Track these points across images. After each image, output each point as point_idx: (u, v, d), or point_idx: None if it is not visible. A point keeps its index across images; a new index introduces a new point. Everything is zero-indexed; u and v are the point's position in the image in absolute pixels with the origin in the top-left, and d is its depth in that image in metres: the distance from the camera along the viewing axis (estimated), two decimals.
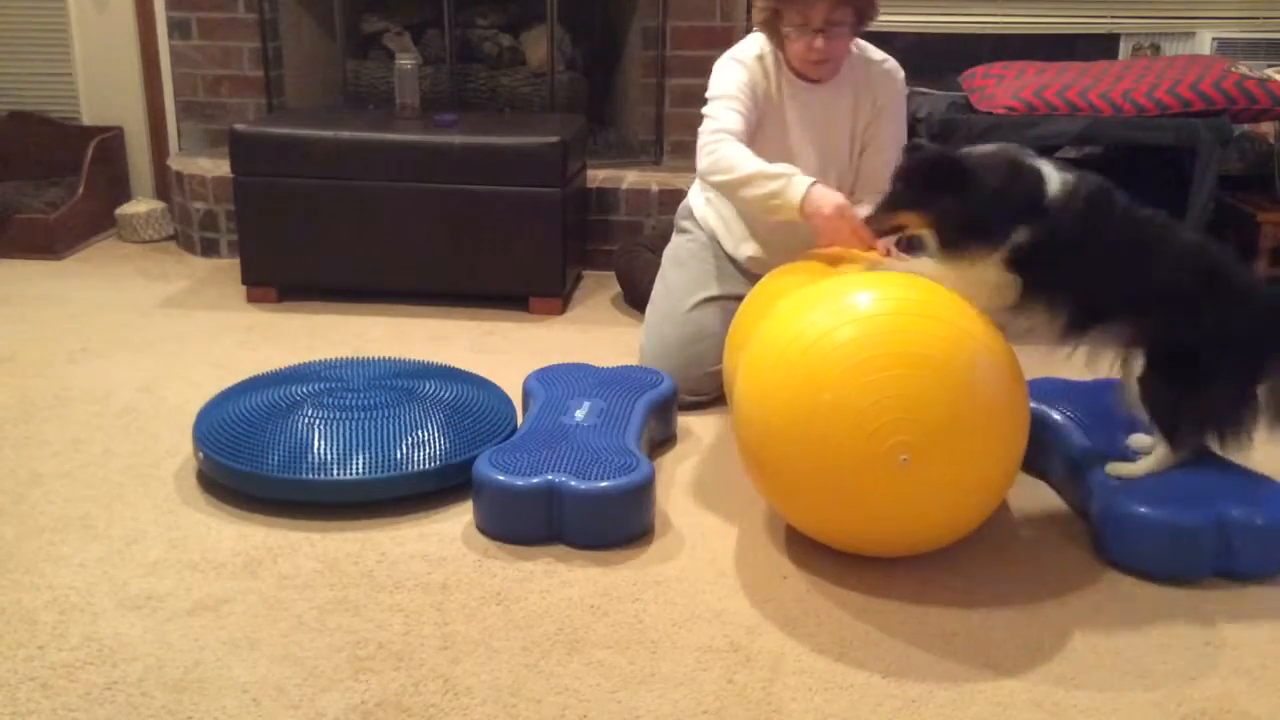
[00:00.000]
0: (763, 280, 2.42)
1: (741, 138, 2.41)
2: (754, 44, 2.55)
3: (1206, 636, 1.81)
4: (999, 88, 3.28)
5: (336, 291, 3.44)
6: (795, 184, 2.27)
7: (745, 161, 2.34)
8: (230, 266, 3.69)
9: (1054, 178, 1.92)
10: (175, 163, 4.03)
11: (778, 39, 2.45)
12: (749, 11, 3.79)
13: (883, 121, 2.55)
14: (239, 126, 3.36)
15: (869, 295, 1.91)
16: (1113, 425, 2.25)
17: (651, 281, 2.84)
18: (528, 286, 3.38)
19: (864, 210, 2.35)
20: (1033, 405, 2.33)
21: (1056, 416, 2.31)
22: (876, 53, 2.57)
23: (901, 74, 2.58)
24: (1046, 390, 2.42)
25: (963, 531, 1.96)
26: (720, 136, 2.40)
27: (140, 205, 4.13)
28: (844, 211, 2.23)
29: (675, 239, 2.84)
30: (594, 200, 3.78)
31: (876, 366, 1.81)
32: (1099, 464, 2.11)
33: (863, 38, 2.58)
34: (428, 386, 2.38)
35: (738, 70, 2.50)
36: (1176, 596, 1.91)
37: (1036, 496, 2.28)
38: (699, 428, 2.55)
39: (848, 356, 1.83)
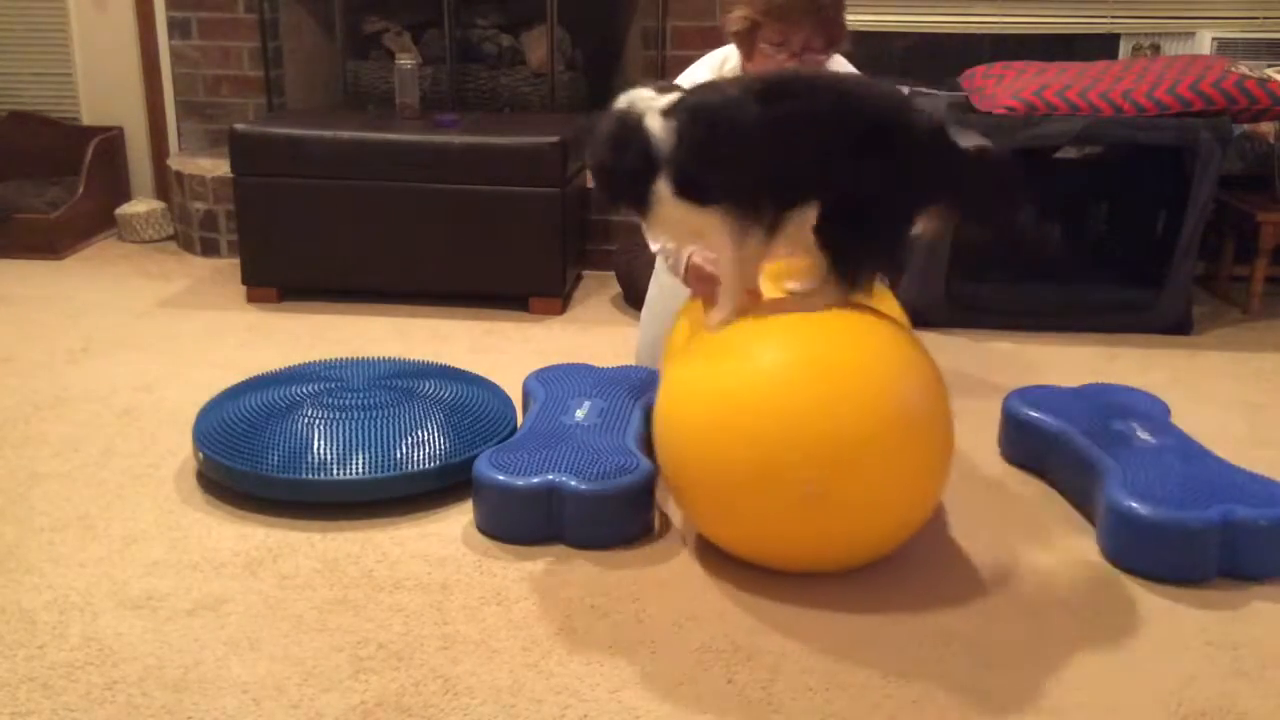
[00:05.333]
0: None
1: None
2: (706, 71, 2.53)
3: (1206, 636, 1.81)
4: (999, 88, 3.28)
5: (336, 291, 3.44)
6: (678, 263, 2.31)
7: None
8: (230, 266, 3.69)
9: (655, 123, 1.93)
10: (175, 163, 4.03)
11: (749, 50, 2.43)
12: None
13: None
14: (239, 126, 3.36)
15: (787, 322, 1.90)
16: (1107, 425, 2.25)
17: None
18: (528, 286, 3.38)
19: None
20: (1032, 411, 2.34)
21: (1054, 420, 2.30)
22: (840, 65, 2.56)
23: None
24: (1041, 396, 2.42)
25: (888, 548, 1.94)
26: None
27: (140, 205, 4.13)
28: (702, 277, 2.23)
29: None
30: (594, 200, 3.78)
31: (781, 395, 1.80)
32: (1100, 464, 2.11)
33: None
34: (428, 386, 2.38)
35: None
36: (1177, 596, 1.91)
37: (1036, 496, 2.28)
38: None
39: (753, 385, 1.82)
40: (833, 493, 1.78)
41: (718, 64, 2.53)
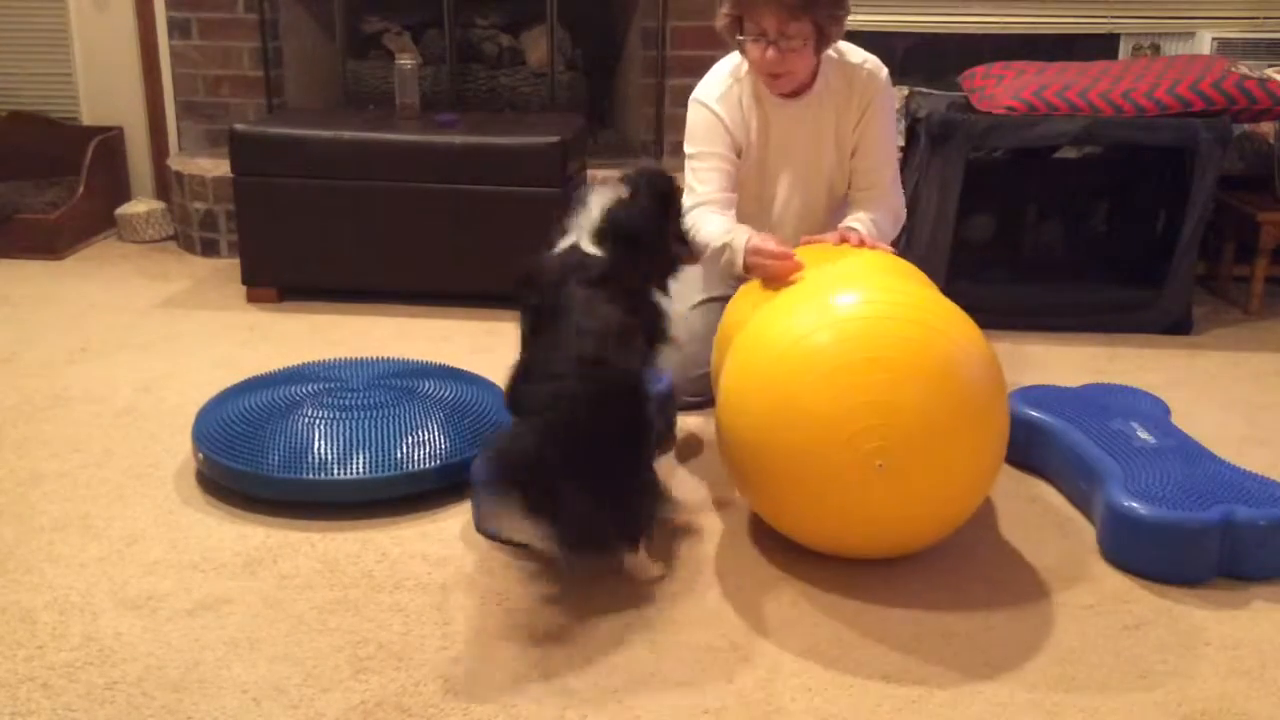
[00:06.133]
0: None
1: (722, 195, 2.45)
2: (722, 77, 2.52)
3: (1206, 637, 1.81)
4: (999, 88, 3.28)
5: (337, 291, 3.44)
6: (734, 252, 2.29)
7: (704, 238, 2.37)
8: (230, 266, 3.69)
9: None
10: (175, 163, 4.03)
11: (739, 46, 2.44)
12: None
13: (869, 123, 2.53)
14: (239, 126, 3.36)
15: (846, 298, 1.92)
16: (1107, 425, 2.25)
17: None
18: None
19: (854, 224, 2.38)
20: (1033, 411, 2.34)
21: (1056, 420, 2.30)
22: (856, 54, 2.55)
23: (884, 72, 2.56)
24: (1043, 396, 2.42)
25: (945, 532, 1.96)
26: (696, 214, 2.41)
27: (140, 205, 4.13)
28: (779, 253, 2.21)
29: None
30: None
31: (851, 371, 1.81)
32: (1100, 464, 2.11)
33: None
34: (428, 386, 2.38)
35: (710, 120, 2.48)
36: (1177, 596, 1.91)
37: (1036, 496, 2.28)
38: (697, 427, 2.55)
39: (823, 361, 1.83)
40: (895, 469, 1.78)
41: (734, 67, 2.53)
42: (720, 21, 2.42)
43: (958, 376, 1.83)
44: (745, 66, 2.50)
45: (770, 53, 2.33)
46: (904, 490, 1.81)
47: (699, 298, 2.66)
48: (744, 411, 1.91)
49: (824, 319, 1.89)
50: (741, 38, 2.38)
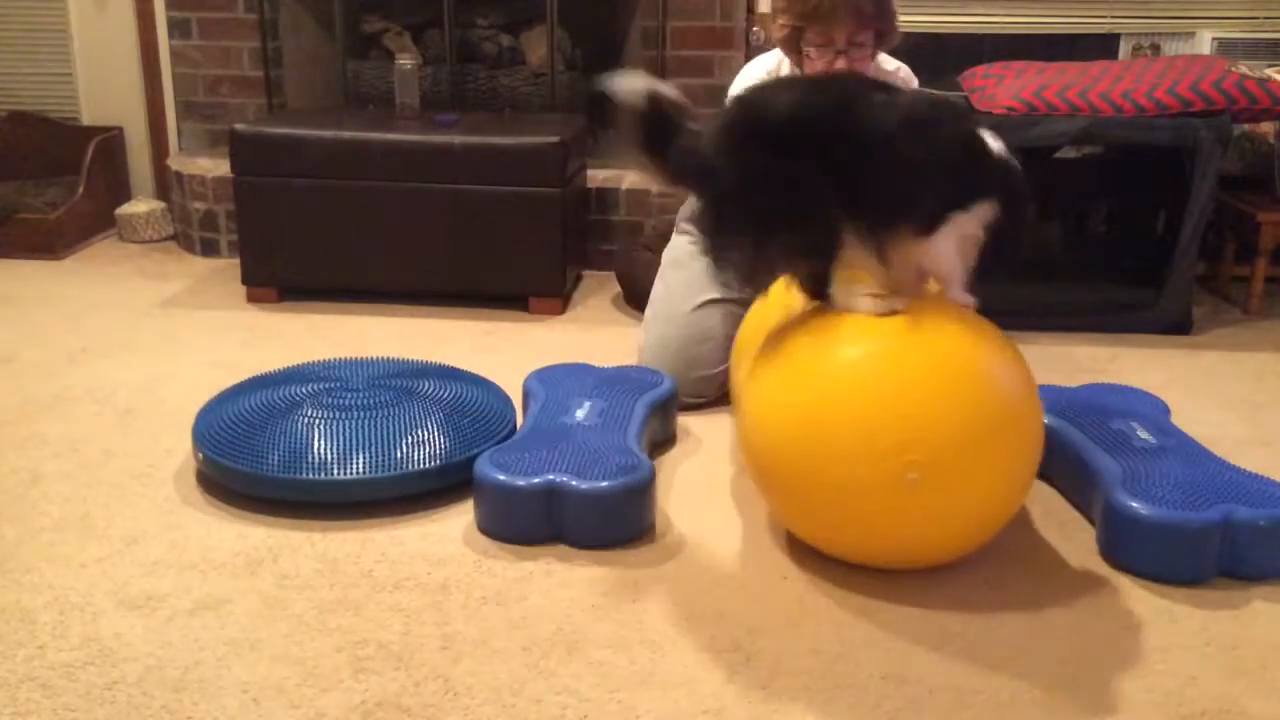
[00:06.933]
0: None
1: None
2: (759, 75, 2.53)
3: (1206, 636, 1.81)
4: (999, 88, 3.28)
5: (336, 291, 3.44)
6: None
7: None
8: (230, 266, 3.69)
9: None
10: (175, 163, 4.03)
11: (797, 56, 2.44)
12: (749, 12, 3.81)
13: None
14: (239, 126, 3.36)
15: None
16: (1107, 425, 2.25)
17: (651, 281, 2.84)
18: (528, 286, 3.38)
19: None
20: None
21: (1055, 420, 2.30)
22: (889, 62, 2.56)
23: (915, 82, 2.59)
24: (1042, 396, 2.41)
25: (977, 544, 1.95)
26: None
27: (140, 205, 4.13)
28: None
29: (676, 240, 2.84)
30: (594, 200, 3.78)
31: (882, 383, 1.80)
32: (1100, 464, 2.11)
33: None
34: (427, 386, 2.38)
35: None
36: (1177, 596, 1.91)
37: (1037, 497, 2.28)
38: (698, 428, 2.55)
39: (853, 374, 1.82)
40: (932, 481, 1.77)
41: (774, 67, 2.54)
42: (779, 33, 2.42)
43: (992, 388, 1.82)
44: (783, 68, 2.50)
45: (840, 63, 2.35)
46: (937, 503, 1.80)
47: (702, 298, 2.66)
48: (773, 426, 1.89)
49: (852, 331, 1.87)
50: (809, 49, 2.37)
